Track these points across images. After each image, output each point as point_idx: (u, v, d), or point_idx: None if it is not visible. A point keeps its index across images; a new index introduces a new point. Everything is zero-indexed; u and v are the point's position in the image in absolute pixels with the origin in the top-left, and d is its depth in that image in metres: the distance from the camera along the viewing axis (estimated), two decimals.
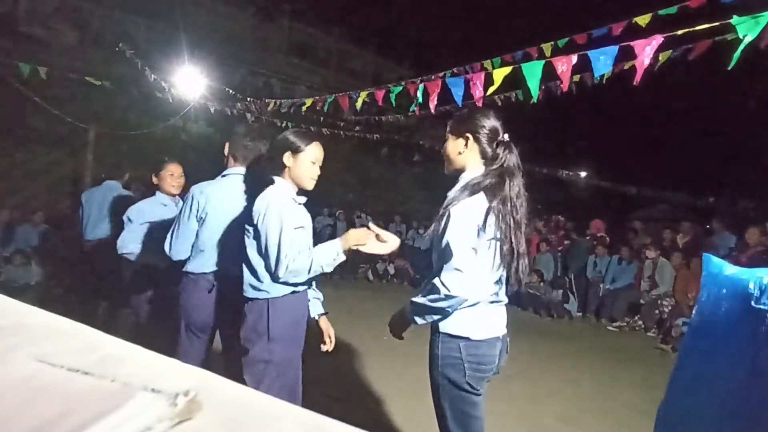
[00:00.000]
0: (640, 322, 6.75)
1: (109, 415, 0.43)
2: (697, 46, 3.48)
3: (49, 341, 0.60)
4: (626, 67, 3.22)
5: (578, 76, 4.34)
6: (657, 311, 6.51)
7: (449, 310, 1.59)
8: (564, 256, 8.25)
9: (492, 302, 1.68)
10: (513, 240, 1.59)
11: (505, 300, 1.76)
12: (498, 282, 1.67)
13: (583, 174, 14.88)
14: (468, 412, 1.70)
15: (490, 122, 1.69)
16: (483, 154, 1.69)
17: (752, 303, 1.48)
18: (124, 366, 0.54)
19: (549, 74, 2.78)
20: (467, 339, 1.63)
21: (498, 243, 1.60)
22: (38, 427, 0.42)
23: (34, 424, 0.43)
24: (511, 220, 1.58)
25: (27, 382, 0.50)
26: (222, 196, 2.36)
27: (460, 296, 1.55)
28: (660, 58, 3.60)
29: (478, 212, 1.57)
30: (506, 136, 1.69)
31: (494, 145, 1.67)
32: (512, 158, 1.65)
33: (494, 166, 1.63)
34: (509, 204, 1.59)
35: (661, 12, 3.53)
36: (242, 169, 2.43)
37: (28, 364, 0.53)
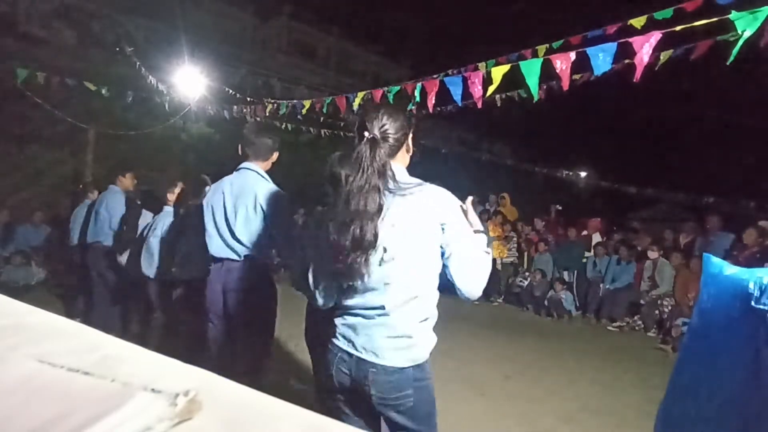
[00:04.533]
0: (640, 322, 6.74)
1: (109, 415, 0.43)
2: (699, 46, 3.48)
3: (49, 341, 0.60)
4: (626, 62, 3.21)
5: (579, 75, 4.34)
6: (657, 311, 6.51)
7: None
8: (561, 254, 8.24)
9: (341, 310, 1.54)
10: (345, 238, 1.42)
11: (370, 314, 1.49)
12: (339, 287, 1.50)
13: (583, 174, 14.86)
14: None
15: (359, 120, 1.55)
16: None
17: (752, 303, 1.48)
18: (124, 366, 0.54)
19: (549, 74, 2.77)
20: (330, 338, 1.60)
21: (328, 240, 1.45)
22: (38, 427, 0.42)
23: (34, 424, 0.43)
24: (348, 217, 1.42)
25: (27, 382, 0.50)
26: (224, 188, 2.54)
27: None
28: (661, 58, 3.59)
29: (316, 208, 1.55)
30: (366, 134, 1.49)
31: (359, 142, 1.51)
32: (368, 154, 1.46)
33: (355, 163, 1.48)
34: (347, 200, 1.44)
35: (657, 14, 3.52)
36: (250, 164, 2.58)
37: (28, 364, 0.53)
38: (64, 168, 9.26)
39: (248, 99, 7.23)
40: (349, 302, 1.51)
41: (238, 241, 2.47)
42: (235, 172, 2.61)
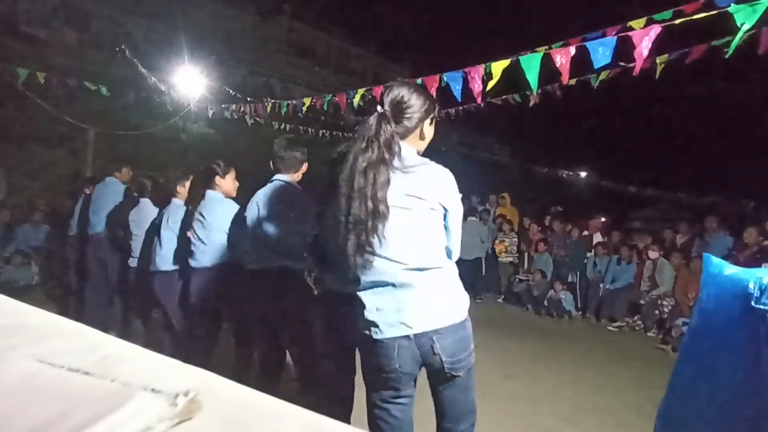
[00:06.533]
0: (640, 322, 6.74)
1: (109, 415, 0.43)
2: (694, 50, 3.47)
3: (49, 341, 0.61)
4: (622, 64, 3.22)
5: (575, 80, 4.33)
6: (657, 311, 6.51)
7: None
8: (565, 254, 8.22)
9: (377, 285, 1.50)
10: (357, 211, 1.43)
11: (408, 282, 1.48)
12: (365, 259, 1.46)
13: (583, 174, 14.86)
14: (374, 412, 1.63)
15: (384, 93, 1.55)
16: None
17: (752, 303, 1.48)
18: (124, 366, 0.54)
19: (549, 74, 2.78)
20: (367, 337, 1.53)
21: (345, 214, 1.47)
22: (38, 427, 0.42)
23: (34, 424, 0.43)
24: (357, 190, 1.43)
25: (27, 382, 0.50)
26: (258, 201, 2.61)
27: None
28: (658, 62, 3.59)
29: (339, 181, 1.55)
30: (379, 108, 1.50)
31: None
32: (375, 127, 1.46)
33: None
34: (357, 172, 1.43)
35: (656, 16, 3.52)
36: (282, 176, 2.65)
37: (28, 364, 0.53)
38: (64, 168, 9.24)
39: (248, 99, 7.22)
40: (373, 277, 1.50)
41: (272, 250, 2.53)
42: (268, 184, 2.68)
